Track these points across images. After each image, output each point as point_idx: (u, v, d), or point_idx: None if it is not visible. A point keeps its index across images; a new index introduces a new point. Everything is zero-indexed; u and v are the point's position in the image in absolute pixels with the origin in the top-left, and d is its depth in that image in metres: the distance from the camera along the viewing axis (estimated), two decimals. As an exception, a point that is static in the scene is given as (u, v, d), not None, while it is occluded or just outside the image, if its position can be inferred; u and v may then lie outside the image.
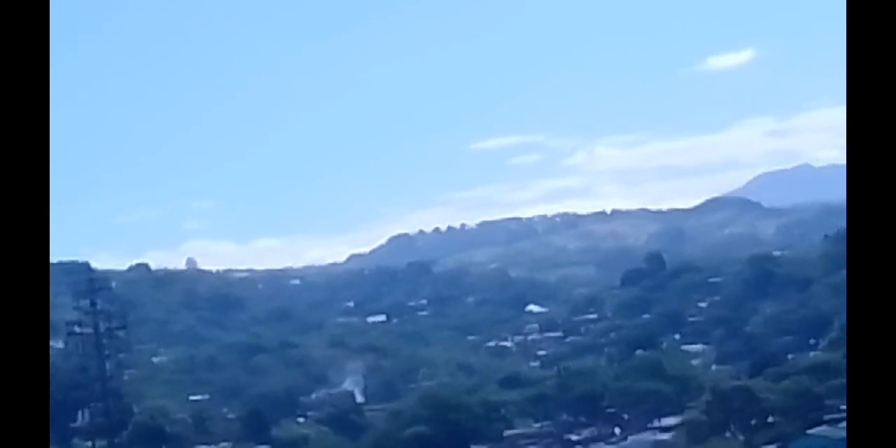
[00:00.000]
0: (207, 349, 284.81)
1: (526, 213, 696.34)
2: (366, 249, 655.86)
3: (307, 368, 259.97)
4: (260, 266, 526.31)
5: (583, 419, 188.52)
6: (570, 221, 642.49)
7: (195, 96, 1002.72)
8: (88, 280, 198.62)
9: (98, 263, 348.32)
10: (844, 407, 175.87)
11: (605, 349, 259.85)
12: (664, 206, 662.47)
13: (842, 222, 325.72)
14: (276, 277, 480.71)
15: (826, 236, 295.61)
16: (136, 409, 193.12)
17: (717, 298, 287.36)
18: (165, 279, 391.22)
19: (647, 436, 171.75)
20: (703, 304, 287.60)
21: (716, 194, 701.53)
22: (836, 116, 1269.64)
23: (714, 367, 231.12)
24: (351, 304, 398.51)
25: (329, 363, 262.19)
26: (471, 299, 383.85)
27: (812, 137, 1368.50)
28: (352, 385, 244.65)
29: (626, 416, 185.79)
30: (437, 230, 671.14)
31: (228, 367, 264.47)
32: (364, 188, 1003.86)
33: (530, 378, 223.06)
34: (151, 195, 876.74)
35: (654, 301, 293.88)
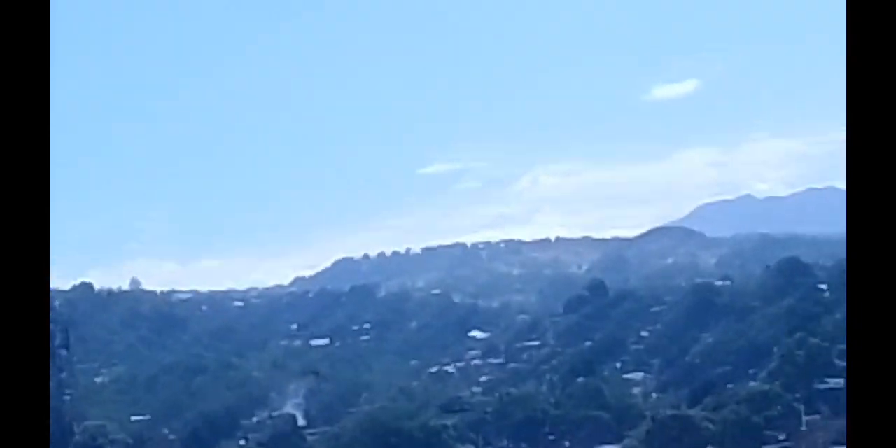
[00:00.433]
0: (149, 369, 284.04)
1: (469, 239, 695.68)
2: (310, 272, 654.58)
3: (249, 390, 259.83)
4: (203, 287, 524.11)
5: (523, 445, 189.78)
6: (514, 248, 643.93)
7: (137, 115, 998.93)
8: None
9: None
10: (783, 437, 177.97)
11: (547, 376, 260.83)
12: (607, 235, 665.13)
13: (781, 253, 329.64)
14: (219, 299, 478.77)
15: (767, 267, 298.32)
16: (76, 429, 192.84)
17: (658, 327, 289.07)
18: (109, 299, 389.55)
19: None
20: (644, 333, 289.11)
21: (658, 223, 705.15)
22: (778, 148, 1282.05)
23: (654, 395, 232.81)
24: (294, 326, 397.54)
25: (271, 386, 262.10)
26: (414, 324, 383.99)
27: (754, 168, 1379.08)
28: (293, 408, 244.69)
29: (566, 444, 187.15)
30: (381, 254, 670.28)
31: (170, 388, 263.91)
32: (309, 211, 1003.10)
33: (472, 403, 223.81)
34: (93, 214, 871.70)
35: (595, 329, 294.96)
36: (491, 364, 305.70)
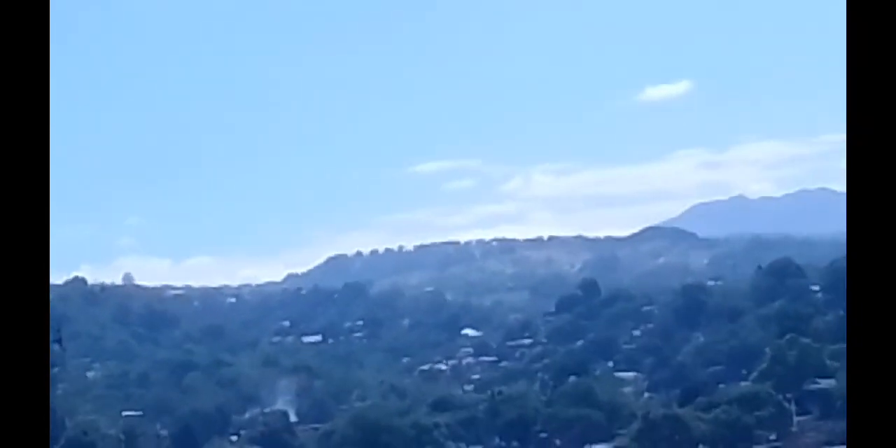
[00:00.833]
0: (141, 365, 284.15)
1: (461, 237, 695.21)
2: (303, 269, 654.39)
3: (240, 387, 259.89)
4: (196, 283, 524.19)
5: (515, 444, 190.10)
6: (507, 247, 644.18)
7: (130, 112, 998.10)
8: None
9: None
10: (773, 437, 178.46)
11: (538, 375, 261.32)
12: (600, 234, 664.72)
13: (773, 254, 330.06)
14: (211, 295, 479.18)
15: (759, 268, 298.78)
16: (68, 424, 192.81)
17: (649, 327, 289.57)
18: (101, 294, 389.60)
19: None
20: (635, 333, 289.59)
21: (651, 224, 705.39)
22: (771, 149, 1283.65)
23: (645, 394, 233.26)
24: (286, 323, 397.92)
25: (262, 382, 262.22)
26: (406, 322, 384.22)
27: (746, 169, 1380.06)
28: (285, 405, 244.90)
29: (557, 442, 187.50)
30: (374, 252, 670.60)
31: (161, 384, 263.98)
32: (302, 208, 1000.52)
33: (463, 402, 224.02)
34: (84, 210, 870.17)
35: (587, 328, 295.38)
36: (483, 362, 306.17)
